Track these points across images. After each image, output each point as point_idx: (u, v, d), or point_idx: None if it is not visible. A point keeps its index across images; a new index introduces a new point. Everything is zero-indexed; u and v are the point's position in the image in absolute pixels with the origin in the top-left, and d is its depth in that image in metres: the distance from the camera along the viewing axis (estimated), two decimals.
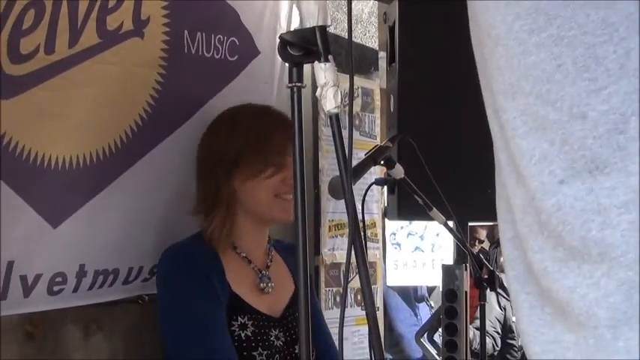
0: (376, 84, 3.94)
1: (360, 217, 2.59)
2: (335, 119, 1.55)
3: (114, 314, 2.87)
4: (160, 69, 2.75)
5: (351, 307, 3.57)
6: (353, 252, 1.57)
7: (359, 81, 3.85)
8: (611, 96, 1.10)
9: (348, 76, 1.62)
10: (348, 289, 3.53)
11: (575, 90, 1.11)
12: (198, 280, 2.63)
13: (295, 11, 1.50)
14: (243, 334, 2.62)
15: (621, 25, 1.09)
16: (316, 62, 1.55)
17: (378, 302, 4.13)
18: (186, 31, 2.82)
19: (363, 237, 2.41)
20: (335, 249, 3.52)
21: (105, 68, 2.56)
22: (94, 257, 2.64)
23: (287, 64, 1.63)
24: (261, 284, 2.70)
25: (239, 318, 2.63)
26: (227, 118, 2.76)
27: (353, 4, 3.61)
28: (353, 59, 1.67)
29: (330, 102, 1.53)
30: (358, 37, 3.76)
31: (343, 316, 1.79)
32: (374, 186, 2.67)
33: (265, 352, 2.62)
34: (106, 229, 2.66)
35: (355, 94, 3.86)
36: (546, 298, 1.19)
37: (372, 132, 3.86)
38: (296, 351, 2.68)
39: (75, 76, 2.47)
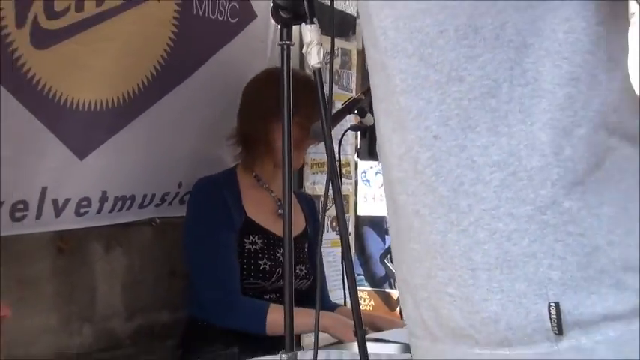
0: (354, 45, 3.94)
1: (336, 157, 2.62)
2: (318, 73, 1.50)
3: (130, 233, 2.89)
4: (172, 27, 2.73)
5: (327, 231, 3.60)
6: (330, 186, 1.59)
7: (339, 42, 3.84)
8: (486, 63, 1.08)
9: (330, 37, 1.61)
10: (326, 217, 3.57)
11: (454, 55, 1.09)
12: (218, 209, 2.67)
13: None
14: (252, 248, 2.68)
15: (499, 0, 1.07)
16: (303, 24, 1.51)
17: (351, 229, 4.16)
18: None
19: (339, 174, 2.43)
20: (315, 183, 3.55)
21: (126, 26, 2.53)
22: (115, 185, 2.66)
23: (278, 25, 1.59)
24: (279, 210, 2.71)
25: (250, 237, 2.69)
26: (267, 75, 2.75)
27: None
28: (334, 23, 1.65)
29: (313, 58, 1.48)
30: (340, 5, 3.75)
31: (321, 239, 1.81)
32: (349, 131, 2.68)
33: (270, 263, 2.66)
34: (125, 161, 2.66)
35: (335, 54, 3.87)
36: (416, 236, 1.19)
37: (349, 86, 3.86)
38: (297, 270, 2.71)
39: (100, 31, 2.45)
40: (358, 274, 4.37)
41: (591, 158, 1.08)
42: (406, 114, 1.15)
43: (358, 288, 4.44)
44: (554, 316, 1.05)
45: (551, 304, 1.06)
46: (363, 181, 4.48)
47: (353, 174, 4.12)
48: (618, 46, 1.13)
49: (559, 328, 1.05)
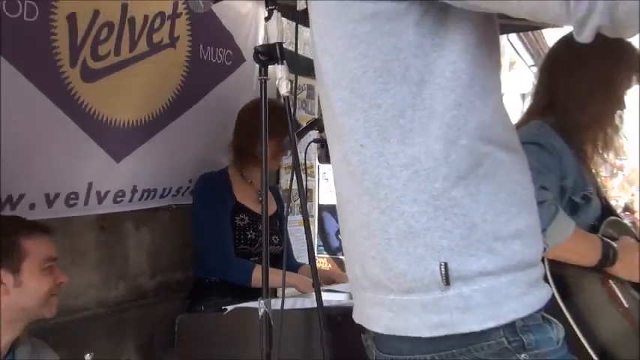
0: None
1: (302, 161, 2.67)
2: (287, 99, 1.47)
3: (154, 216, 2.87)
4: (184, 67, 2.73)
5: (295, 215, 3.63)
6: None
7: (306, 80, 3.78)
8: (396, 94, 1.07)
9: (299, 75, 1.58)
10: (294, 204, 3.61)
11: (374, 89, 1.09)
12: (216, 195, 2.67)
13: (265, 33, 1.46)
14: (241, 223, 2.67)
15: (404, 49, 1.06)
16: (276, 64, 1.50)
17: (314, 212, 4.17)
18: (200, 45, 2.80)
19: (304, 173, 2.46)
20: (288, 181, 3.55)
21: (151, 66, 2.54)
22: (142, 181, 2.66)
23: (258, 65, 1.56)
24: (259, 198, 2.68)
25: (240, 215, 2.68)
26: (255, 105, 2.68)
27: (303, 30, 3.63)
28: (302, 66, 1.64)
29: (283, 89, 1.46)
30: (306, 53, 3.76)
31: (287, 219, 1.89)
32: (312, 143, 2.70)
33: (254, 233, 2.66)
34: (149, 163, 2.65)
35: (303, 88, 3.85)
36: (350, 216, 1.19)
37: (312, 111, 3.81)
38: (272, 239, 2.70)
39: (132, 70, 2.46)
40: (319, 246, 4.29)
41: (472, 161, 1.07)
42: (342, 130, 1.14)
43: (319, 255, 4.48)
44: (444, 272, 1.05)
45: (442, 263, 1.06)
46: (324, 178, 4.49)
47: (316, 173, 4.10)
48: (490, 80, 1.11)
49: (447, 280, 1.05)
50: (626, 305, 1.81)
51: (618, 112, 1.86)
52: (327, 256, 4.28)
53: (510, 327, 1.06)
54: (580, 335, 1.64)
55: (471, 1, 1.01)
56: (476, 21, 1.08)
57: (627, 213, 6.18)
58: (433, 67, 1.06)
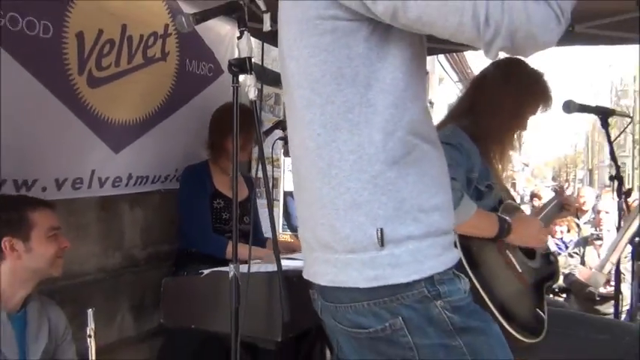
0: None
1: (269, 155, 2.67)
2: (254, 104, 1.47)
3: (146, 198, 2.83)
4: (174, 78, 2.73)
5: (264, 199, 3.61)
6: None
7: (274, 89, 3.76)
8: (347, 94, 1.08)
9: (268, 85, 1.60)
10: (263, 190, 3.58)
11: (329, 89, 1.10)
12: (197, 182, 2.63)
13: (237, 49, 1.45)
14: (218, 206, 2.64)
15: (355, 58, 1.08)
16: (247, 75, 1.49)
17: (280, 198, 4.15)
18: (187, 59, 2.79)
19: (271, 166, 2.46)
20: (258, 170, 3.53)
21: (145, 76, 2.53)
22: (137, 169, 2.64)
23: (232, 75, 1.54)
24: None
25: (217, 200, 2.64)
26: (223, 110, 2.67)
27: (272, 50, 3.63)
28: (271, 77, 1.63)
29: (251, 94, 1.46)
30: (274, 67, 3.74)
31: (255, 201, 1.78)
32: (278, 140, 2.70)
33: (228, 215, 2.63)
34: (143, 155, 2.64)
35: (271, 96, 3.82)
36: (306, 190, 1.18)
37: (279, 114, 3.82)
38: (244, 219, 2.66)
39: (130, 78, 2.45)
40: (283, 225, 4.24)
41: (404, 150, 1.09)
42: (302, 121, 1.14)
43: (284, 232, 4.43)
44: (380, 236, 1.06)
45: (378, 229, 1.06)
46: (289, 170, 4.47)
47: (282, 165, 4.07)
48: (420, 88, 1.13)
49: (382, 242, 1.06)
50: (519, 270, 1.88)
51: (518, 131, 1.91)
52: (290, 233, 4.25)
53: (430, 280, 1.08)
54: (483, 294, 1.68)
55: (408, 23, 1.04)
56: (411, 40, 1.10)
57: (535, 199, 6.33)
58: (377, 75, 1.08)
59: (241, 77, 1.52)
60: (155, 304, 2.53)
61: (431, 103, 8.04)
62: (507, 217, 1.81)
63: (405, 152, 1.09)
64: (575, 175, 45.64)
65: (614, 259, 2.00)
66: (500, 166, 1.93)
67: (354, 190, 1.09)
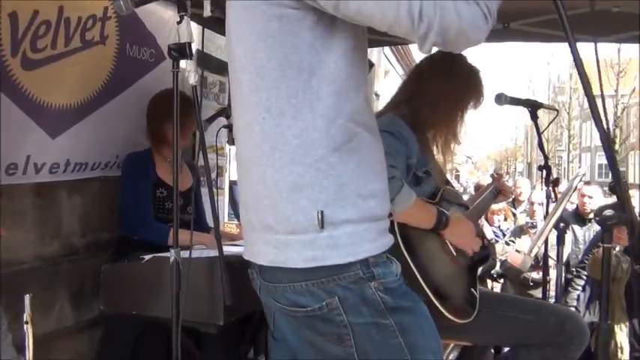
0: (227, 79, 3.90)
1: (214, 143, 2.63)
2: (195, 89, 1.47)
3: (85, 186, 2.79)
4: (113, 61, 2.67)
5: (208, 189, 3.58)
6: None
7: (219, 77, 3.71)
8: (292, 80, 1.11)
9: (213, 73, 1.58)
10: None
11: (275, 74, 1.12)
12: (140, 170, 2.60)
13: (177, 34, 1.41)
14: (161, 196, 2.62)
15: (300, 46, 1.11)
16: (187, 60, 1.47)
17: (225, 186, 4.11)
18: (127, 43, 2.73)
19: (216, 155, 2.43)
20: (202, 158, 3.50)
21: (84, 59, 2.48)
22: (76, 155, 2.60)
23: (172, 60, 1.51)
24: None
25: (160, 189, 2.61)
26: (161, 95, 2.64)
27: (218, 38, 3.60)
28: (217, 64, 1.59)
29: (191, 79, 1.46)
30: (220, 55, 3.69)
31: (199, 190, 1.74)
32: (222, 128, 2.67)
33: (171, 204, 2.58)
34: (81, 141, 2.59)
35: (215, 84, 3.77)
36: (250, 173, 1.19)
37: (224, 102, 3.76)
38: (187, 209, 2.64)
39: (67, 61, 2.40)
40: (230, 214, 4.23)
41: (345, 137, 1.12)
42: (248, 104, 1.16)
43: (231, 221, 4.37)
44: (320, 219, 1.10)
45: (319, 212, 1.10)
46: (234, 159, 4.46)
47: (227, 154, 4.05)
48: (361, 78, 1.17)
49: (322, 225, 1.10)
50: (454, 253, 1.97)
51: (458, 123, 1.96)
52: (236, 222, 4.24)
53: (365, 262, 1.13)
54: (418, 276, 1.75)
55: (349, 14, 1.08)
56: (354, 32, 1.14)
57: (480, 189, 6.55)
58: (321, 63, 1.11)
59: (182, 63, 1.51)
60: (94, 292, 2.50)
61: (377, 95, 8.13)
62: (447, 212, 1.88)
63: (346, 139, 1.12)
64: (515, 168, 47.32)
65: (540, 242, 2.12)
66: (442, 157, 1.99)
67: (296, 172, 1.11)
